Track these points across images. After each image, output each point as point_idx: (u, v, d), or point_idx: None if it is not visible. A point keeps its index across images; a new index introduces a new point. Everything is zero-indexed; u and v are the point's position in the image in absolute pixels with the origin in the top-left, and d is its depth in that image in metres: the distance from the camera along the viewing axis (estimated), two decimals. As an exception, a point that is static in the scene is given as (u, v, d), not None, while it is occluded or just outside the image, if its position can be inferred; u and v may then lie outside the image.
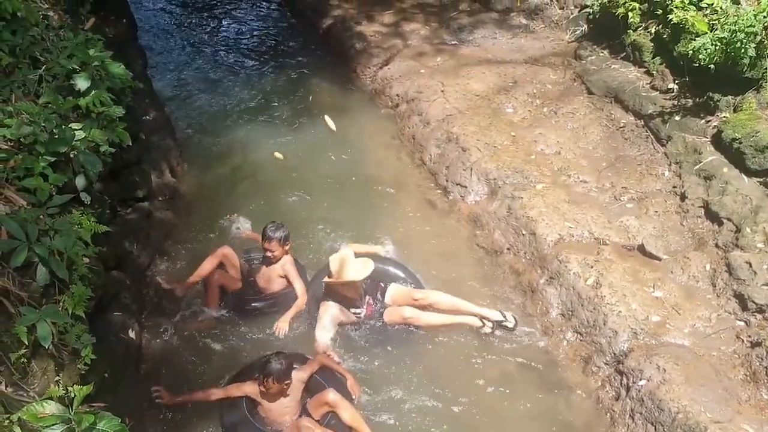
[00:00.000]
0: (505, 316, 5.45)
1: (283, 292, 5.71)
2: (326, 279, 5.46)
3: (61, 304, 3.77)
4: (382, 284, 5.69)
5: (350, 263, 5.40)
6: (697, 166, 6.01)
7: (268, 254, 5.60)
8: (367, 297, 5.59)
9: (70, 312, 3.76)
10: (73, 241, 3.87)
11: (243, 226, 6.47)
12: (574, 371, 5.11)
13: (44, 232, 3.80)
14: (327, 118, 8.34)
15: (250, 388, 4.69)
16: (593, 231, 5.82)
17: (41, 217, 3.89)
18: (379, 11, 10.25)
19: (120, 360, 4.51)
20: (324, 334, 5.31)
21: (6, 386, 3.18)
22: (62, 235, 3.83)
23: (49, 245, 3.73)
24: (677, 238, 5.68)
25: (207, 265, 5.67)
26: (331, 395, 4.61)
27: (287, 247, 5.66)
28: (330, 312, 5.39)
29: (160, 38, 10.81)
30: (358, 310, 5.53)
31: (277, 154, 7.71)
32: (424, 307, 5.50)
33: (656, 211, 5.94)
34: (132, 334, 4.81)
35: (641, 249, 5.62)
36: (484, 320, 5.46)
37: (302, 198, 6.97)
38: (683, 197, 5.93)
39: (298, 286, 5.68)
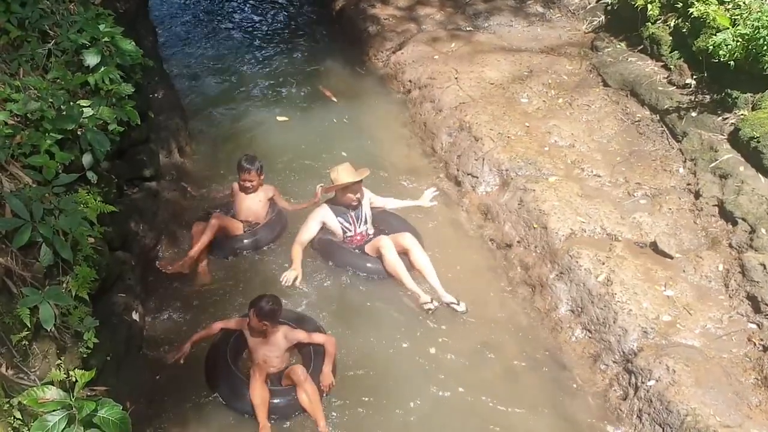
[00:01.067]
0: (458, 302, 5.51)
1: (268, 219, 6.20)
2: (322, 186, 6.11)
3: (64, 285, 3.70)
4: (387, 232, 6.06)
5: (347, 170, 5.89)
6: (713, 164, 5.90)
7: (247, 184, 6.13)
8: (363, 219, 6.03)
9: (73, 294, 3.69)
10: (79, 221, 3.80)
11: None
12: (581, 369, 5.03)
13: (49, 211, 3.72)
14: (322, 88, 8.55)
15: (244, 322, 4.90)
16: (606, 227, 5.72)
17: (46, 195, 3.82)
18: (393, -7, 10.14)
19: (123, 342, 4.44)
20: (306, 231, 5.92)
21: (7, 368, 3.11)
22: (67, 214, 3.75)
23: (54, 225, 3.66)
24: (690, 237, 5.58)
25: (206, 238, 5.77)
26: (300, 371, 4.68)
27: (262, 177, 6.23)
28: (319, 212, 5.97)
29: (171, 15, 10.74)
30: (348, 225, 5.95)
31: (280, 117, 7.75)
32: (404, 247, 5.77)
33: (670, 209, 5.83)
34: (135, 316, 4.75)
35: (654, 246, 5.53)
36: (434, 298, 5.54)
37: (310, 180, 6.84)
38: (697, 195, 5.82)
39: (285, 204, 6.39)
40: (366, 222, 6.09)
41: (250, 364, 4.85)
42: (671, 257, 5.41)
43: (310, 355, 4.96)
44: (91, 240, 4.08)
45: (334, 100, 8.46)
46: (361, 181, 5.96)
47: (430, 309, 5.48)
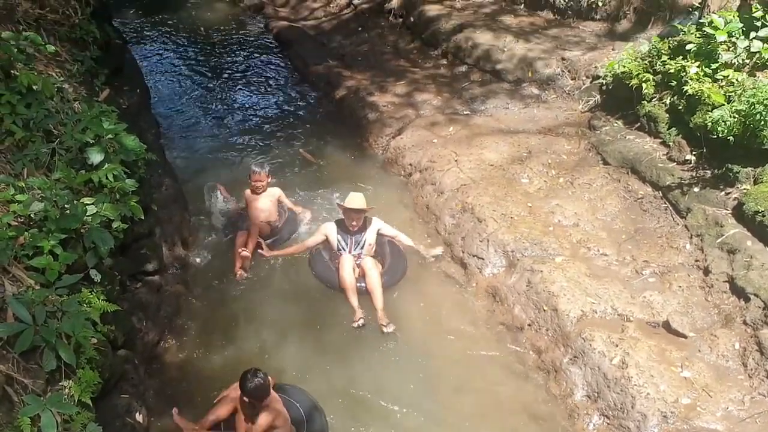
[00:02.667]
0: (387, 325, 6.07)
1: (279, 221, 7.46)
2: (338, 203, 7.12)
3: (66, 390, 3.58)
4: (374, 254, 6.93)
5: (354, 198, 6.79)
6: (720, 239, 5.86)
7: (258, 185, 7.30)
8: (360, 244, 6.84)
9: (76, 399, 3.57)
10: (82, 323, 3.72)
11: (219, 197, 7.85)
12: (601, 457, 4.86)
13: (52, 313, 3.65)
14: (302, 151, 9.12)
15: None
16: (616, 307, 5.63)
17: (49, 297, 3.75)
18: (391, 82, 10.34)
19: (126, 446, 4.29)
20: (310, 238, 7.06)
21: (6, 484, 2.98)
22: (70, 317, 3.68)
23: (57, 328, 3.58)
24: (703, 315, 5.48)
25: (253, 240, 7.02)
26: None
27: (270, 180, 7.43)
28: (326, 226, 6.98)
29: (173, 106, 10.88)
30: (344, 244, 6.82)
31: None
32: (363, 270, 6.57)
33: (680, 286, 5.76)
34: (139, 417, 4.59)
35: (666, 326, 5.43)
36: (361, 318, 6.17)
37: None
38: (707, 271, 5.75)
39: (290, 203, 7.65)
40: (362, 247, 6.83)
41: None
42: (685, 336, 5.31)
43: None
44: (94, 341, 3.99)
45: (314, 162, 8.96)
46: (362, 211, 6.75)
47: (353, 326, 6.13)
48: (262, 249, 6.97)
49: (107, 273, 4.80)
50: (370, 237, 6.89)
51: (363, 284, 6.52)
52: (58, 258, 4.00)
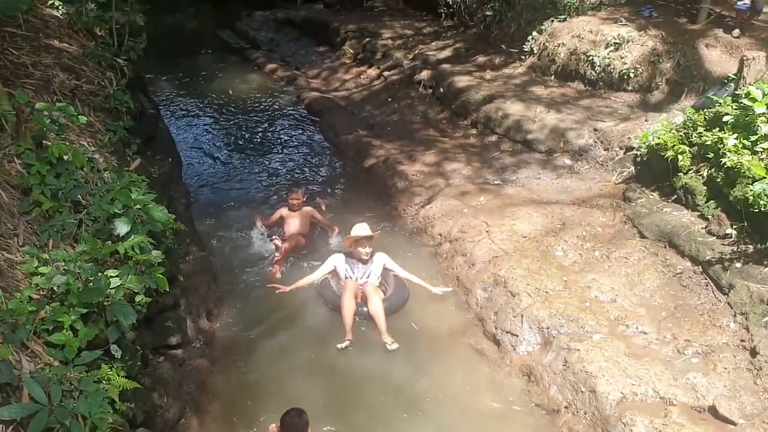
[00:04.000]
0: (391, 343, 6.45)
1: (312, 235, 8.55)
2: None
3: (79, 476, 3.41)
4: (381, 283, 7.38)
5: (360, 227, 7.29)
6: (767, 318, 5.58)
7: (294, 202, 8.57)
8: (367, 273, 7.20)
9: (88, 487, 3.40)
10: (99, 403, 3.56)
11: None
12: None
13: (68, 392, 3.51)
14: (319, 200, 9.49)
15: None
16: (658, 389, 5.33)
17: (66, 374, 3.62)
18: (420, 151, 10.32)
19: None
20: (319, 270, 7.37)
21: None
22: (87, 396, 3.53)
23: (72, 408, 3.43)
24: (752, 400, 5.16)
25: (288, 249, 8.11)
26: None
27: (305, 199, 8.71)
28: (334, 257, 7.38)
29: (204, 175, 10.88)
30: (352, 273, 7.18)
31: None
32: (365, 295, 6.89)
33: (725, 368, 5.46)
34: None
35: (713, 411, 5.11)
36: (347, 341, 6.48)
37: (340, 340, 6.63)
38: (754, 353, 5.46)
39: (322, 218, 8.79)
40: (369, 276, 7.18)
41: None
42: (734, 423, 4.99)
43: None
44: (110, 420, 3.82)
45: (323, 209, 9.23)
46: (370, 237, 7.19)
47: (339, 347, 6.46)
48: (298, 244, 8.00)
49: (129, 347, 4.67)
50: (376, 269, 7.27)
51: (365, 308, 6.83)
52: (78, 334, 3.88)
